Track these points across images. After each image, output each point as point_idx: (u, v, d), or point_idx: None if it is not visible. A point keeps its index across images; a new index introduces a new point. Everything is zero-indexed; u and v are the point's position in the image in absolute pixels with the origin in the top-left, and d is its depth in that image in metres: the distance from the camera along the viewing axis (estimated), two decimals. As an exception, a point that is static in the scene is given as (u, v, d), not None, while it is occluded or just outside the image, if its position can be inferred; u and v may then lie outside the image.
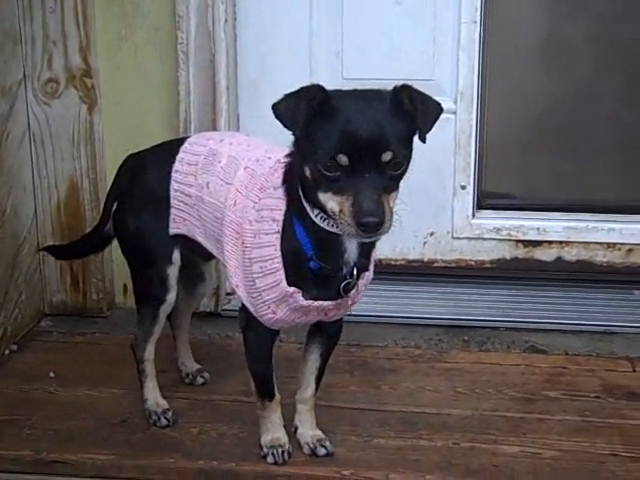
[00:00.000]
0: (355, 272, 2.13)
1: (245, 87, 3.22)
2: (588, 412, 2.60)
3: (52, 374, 2.82)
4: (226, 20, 3.04)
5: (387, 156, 1.90)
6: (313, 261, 2.09)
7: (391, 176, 1.93)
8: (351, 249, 2.09)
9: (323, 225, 2.04)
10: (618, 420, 2.56)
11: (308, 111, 1.92)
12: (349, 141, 1.89)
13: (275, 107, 1.96)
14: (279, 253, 2.10)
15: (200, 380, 2.76)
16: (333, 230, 2.02)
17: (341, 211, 1.90)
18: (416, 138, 1.99)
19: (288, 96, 1.97)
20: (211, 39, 3.03)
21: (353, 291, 2.17)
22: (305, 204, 2.05)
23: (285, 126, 1.96)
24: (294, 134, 1.99)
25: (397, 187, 1.96)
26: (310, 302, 2.13)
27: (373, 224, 1.87)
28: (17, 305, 3.06)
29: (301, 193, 2.05)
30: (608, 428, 2.52)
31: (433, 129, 2.01)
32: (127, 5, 3.06)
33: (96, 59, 3.08)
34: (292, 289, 2.11)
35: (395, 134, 1.92)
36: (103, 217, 2.56)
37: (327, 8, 3.16)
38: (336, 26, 3.16)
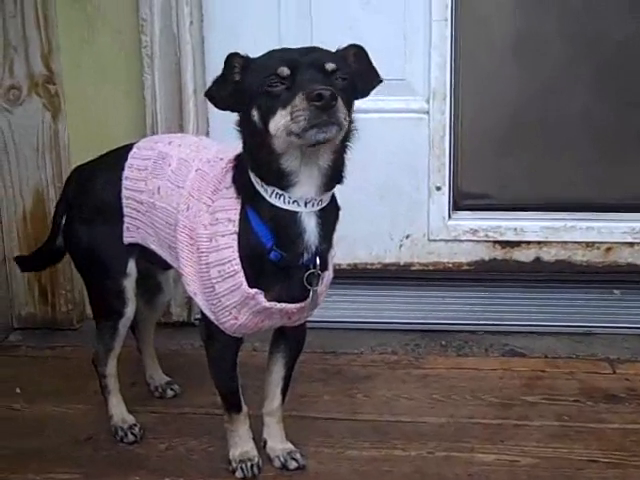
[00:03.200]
0: (318, 261, 2.06)
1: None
2: (567, 417, 2.56)
3: (18, 390, 2.75)
4: (191, 22, 2.98)
5: (330, 65, 1.90)
6: (274, 251, 2.03)
7: (340, 86, 1.90)
8: (310, 228, 2.03)
9: (279, 203, 1.99)
10: (597, 425, 2.51)
11: (235, 75, 1.97)
12: (287, 57, 1.92)
13: (207, 94, 2.01)
14: (237, 255, 2.04)
15: (170, 393, 2.70)
16: (290, 208, 1.99)
17: (292, 112, 1.85)
18: None
19: (214, 79, 2.01)
20: (176, 42, 2.97)
21: (317, 285, 2.09)
22: (260, 187, 2.01)
23: (225, 106, 2.00)
24: (232, 103, 1.99)
25: (346, 101, 1.89)
26: (273, 304, 2.07)
27: (327, 94, 1.81)
28: (-16, 319, 3.00)
29: (254, 178, 2.02)
30: (587, 433, 2.47)
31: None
32: (89, 8, 2.99)
33: (59, 64, 3.01)
34: (253, 290, 2.05)
35: (340, 59, 1.96)
36: (52, 232, 2.49)
37: (295, 8, 3.10)
38: (305, 26, 3.10)
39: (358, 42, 2.96)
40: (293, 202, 2.00)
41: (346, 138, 1.99)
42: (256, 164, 2.01)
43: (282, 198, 1.99)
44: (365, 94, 2.02)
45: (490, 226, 3.21)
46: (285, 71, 1.88)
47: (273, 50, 2.01)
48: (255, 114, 1.94)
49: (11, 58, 2.96)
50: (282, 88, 1.88)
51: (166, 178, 2.22)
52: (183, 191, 2.16)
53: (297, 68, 1.88)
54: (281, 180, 1.98)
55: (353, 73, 1.97)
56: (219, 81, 2.00)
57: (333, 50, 2.02)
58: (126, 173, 2.29)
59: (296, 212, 2.00)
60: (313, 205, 2.01)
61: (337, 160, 2.00)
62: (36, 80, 2.98)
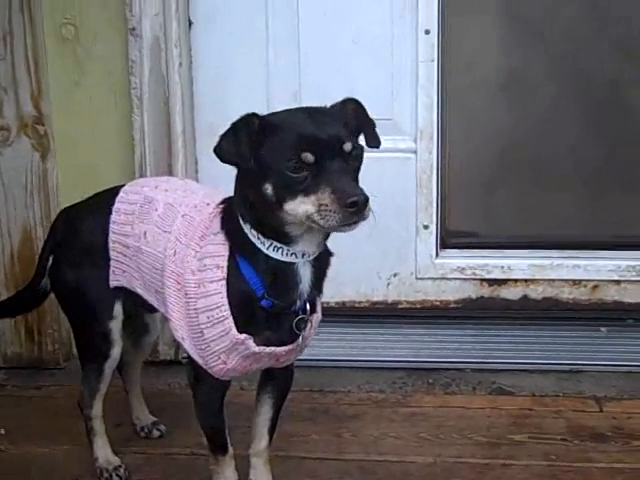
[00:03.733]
0: (308, 307, 2.07)
1: (203, 130, 3.17)
2: (554, 456, 2.55)
3: (2, 431, 2.74)
4: (180, 64, 3.01)
5: (348, 146, 1.91)
6: (265, 300, 2.03)
7: (354, 167, 1.93)
8: (305, 277, 2.03)
9: (276, 256, 1.99)
10: (584, 464, 2.51)
11: (250, 138, 1.91)
12: (309, 139, 1.89)
13: (217, 149, 1.94)
14: (226, 300, 2.04)
15: (156, 433, 2.69)
16: (287, 259, 1.99)
17: (321, 205, 1.84)
18: None
19: (225, 134, 1.95)
20: (165, 83, 2.99)
21: (306, 330, 2.10)
22: (255, 239, 2.00)
23: (234, 163, 1.96)
24: (244, 167, 1.95)
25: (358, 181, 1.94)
26: (262, 348, 2.07)
27: (362, 201, 1.82)
28: (-30, 358, 2.99)
29: (248, 230, 2.00)
30: (574, 472, 2.47)
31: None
32: (79, 50, 3.02)
33: (49, 105, 3.03)
34: (243, 336, 2.05)
35: (346, 129, 1.95)
36: (37, 272, 2.48)
37: (284, 48, 3.13)
38: (293, 66, 3.13)
39: (346, 82, 3.09)
40: (291, 254, 1.99)
41: None
42: (256, 221, 2.00)
43: (280, 251, 1.99)
44: (372, 132, 2.05)
45: (477, 264, 3.22)
46: (309, 158, 1.86)
47: (288, 115, 1.97)
48: (269, 189, 1.91)
49: (0, 100, 2.98)
50: (305, 174, 1.87)
51: (153, 223, 2.23)
52: (170, 236, 2.16)
53: (321, 154, 1.87)
54: (282, 238, 1.98)
55: (357, 117, 2.01)
56: (231, 139, 1.94)
57: (329, 105, 2.03)
58: (113, 217, 2.30)
59: (293, 263, 2.01)
60: (309, 255, 2.02)
61: None
62: (25, 121, 3.00)
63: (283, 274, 2.02)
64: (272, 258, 2.00)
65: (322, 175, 1.86)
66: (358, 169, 1.95)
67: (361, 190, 1.85)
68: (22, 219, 3.08)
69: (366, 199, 1.83)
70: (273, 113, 2.00)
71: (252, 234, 2.00)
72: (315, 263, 2.05)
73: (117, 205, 2.31)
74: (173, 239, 2.15)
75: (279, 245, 1.98)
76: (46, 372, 3.15)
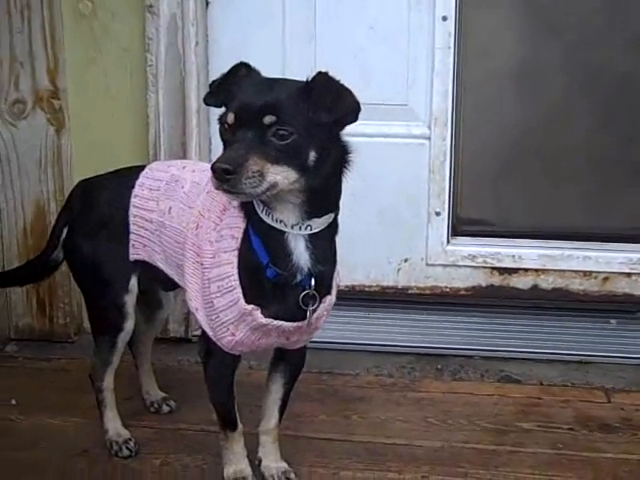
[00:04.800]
0: (313, 282, 2.06)
1: (217, 110, 3.15)
2: (561, 445, 2.56)
3: (14, 401, 2.75)
4: (197, 43, 3.01)
5: (269, 119, 1.88)
6: (269, 268, 2.04)
7: (275, 145, 1.87)
8: (298, 250, 2.03)
9: (268, 220, 2.01)
10: (591, 453, 2.51)
11: (225, 79, 2.02)
12: (239, 101, 1.92)
13: (211, 82, 2.08)
14: (236, 271, 2.06)
15: (166, 409, 2.70)
16: (276, 225, 2.01)
17: None
18: None
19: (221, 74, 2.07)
20: (181, 62, 3.00)
21: (315, 314, 2.11)
22: (256, 205, 2.03)
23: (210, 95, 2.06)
24: (205, 100, 2.08)
25: (286, 161, 1.88)
26: (269, 320, 2.08)
27: (219, 170, 1.84)
28: (-19, 330, 3.00)
29: None
30: (581, 462, 2.47)
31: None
32: (96, 26, 3.02)
33: (64, 80, 3.03)
34: (250, 306, 2.06)
35: (289, 104, 1.90)
36: (50, 243, 2.48)
37: (300, 32, 3.13)
38: (309, 50, 3.13)
39: (362, 67, 3.09)
40: (279, 221, 2.00)
41: (314, 176, 1.93)
42: None
43: (270, 215, 2.01)
44: (340, 123, 1.94)
45: (488, 252, 3.23)
46: (230, 118, 1.92)
47: (255, 79, 2.02)
48: None
49: (17, 73, 2.99)
50: (228, 135, 1.93)
51: (178, 199, 2.24)
52: (194, 211, 2.18)
53: (241, 119, 1.89)
54: (264, 202, 2.00)
55: (314, 109, 1.89)
56: (220, 78, 2.06)
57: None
58: (136, 191, 2.31)
59: (283, 231, 2.02)
60: (300, 228, 2.01)
61: (314, 194, 1.97)
62: (41, 95, 3.01)
63: (278, 242, 2.03)
64: (265, 223, 2.01)
65: (233, 139, 1.90)
66: (281, 149, 1.87)
67: (233, 160, 1.84)
68: (35, 193, 3.09)
69: (225, 169, 1.83)
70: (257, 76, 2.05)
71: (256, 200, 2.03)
72: (310, 238, 2.03)
73: (141, 180, 2.33)
74: (196, 213, 2.17)
75: (267, 209, 2.00)
76: (57, 345, 3.17)
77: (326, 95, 1.90)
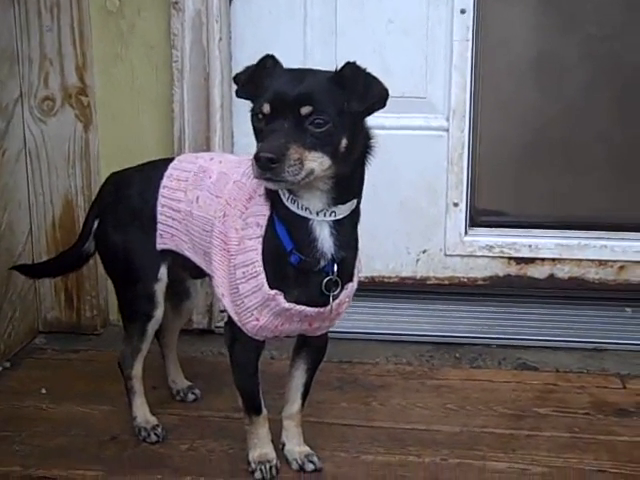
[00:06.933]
0: (335, 268, 2.13)
1: (239, 105, 3.18)
2: (577, 429, 2.61)
3: (44, 391, 2.82)
4: (220, 38, 3.06)
5: (306, 109, 1.95)
6: (293, 254, 2.11)
7: (312, 133, 1.95)
8: (323, 236, 2.10)
9: (293, 207, 2.08)
10: (607, 437, 2.57)
11: (254, 72, 2.07)
12: (274, 92, 1.98)
13: (235, 75, 2.13)
14: (260, 257, 2.13)
15: (191, 397, 2.77)
16: (301, 213, 2.07)
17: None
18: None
19: (247, 67, 2.13)
20: (206, 57, 3.05)
21: (337, 300, 2.17)
22: (281, 193, 2.09)
23: (237, 86, 2.12)
24: (237, 93, 2.12)
25: (321, 148, 1.96)
26: (292, 305, 2.14)
27: (264, 159, 1.90)
28: (11, 322, 3.08)
29: None
30: (597, 444, 2.52)
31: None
32: (123, 24, 3.09)
33: (92, 77, 3.11)
34: (274, 291, 2.13)
35: (323, 94, 1.97)
36: (82, 235, 2.56)
37: (321, 26, 3.19)
38: (330, 44, 3.18)
39: (382, 61, 3.14)
40: (305, 209, 2.07)
41: (344, 162, 2.01)
42: None
43: (295, 203, 2.08)
44: (370, 110, 2.02)
45: (505, 242, 3.27)
46: (266, 108, 1.97)
47: (286, 70, 2.08)
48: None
49: (46, 70, 3.06)
50: (262, 125, 1.99)
51: (206, 189, 2.31)
52: (221, 200, 2.25)
53: (277, 109, 1.96)
54: (290, 190, 2.07)
55: (346, 99, 1.97)
56: (246, 70, 2.12)
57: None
58: (164, 182, 2.38)
59: (308, 219, 2.09)
60: (325, 215, 2.08)
61: (341, 180, 2.05)
62: (70, 92, 3.08)
63: (302, 229, 2.10)
64: (291, 211, 2.08)
65: (269, 128, 1.96)
66: (318, 137, 1.95)
67: (277, 149, 1.90)
68: (64, 188, 3.16)
69: (270, 158, 1.90)
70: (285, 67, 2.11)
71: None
72: (335, 224, 2.10)
73: (170, 171, 2.39)
74: (223, 202, 2.23)
75: (293, 197, 2.07)
76: (84, 337, 3.24)
77: (358, 84, 1.99)
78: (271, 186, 2.03)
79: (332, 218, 2.09)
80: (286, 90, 1.97)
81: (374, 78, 2.02)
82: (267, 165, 1.91)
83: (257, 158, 1.91)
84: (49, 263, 2.86)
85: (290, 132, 1.94)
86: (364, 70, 2.02)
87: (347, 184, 2.08)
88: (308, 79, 2.01)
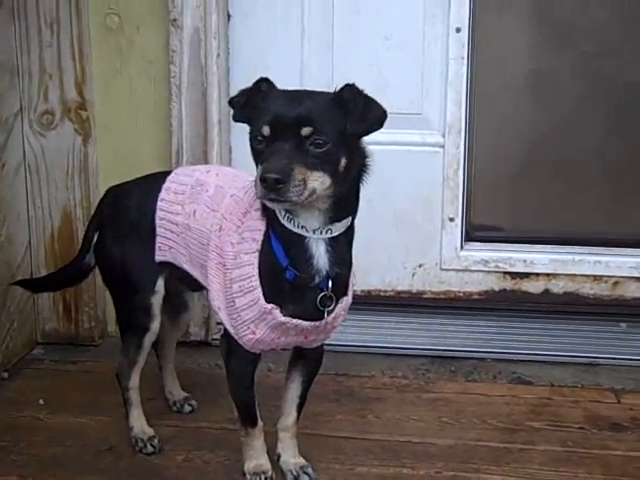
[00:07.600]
0: (330, 284, 2.15)
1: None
2: (571, 443, 2.62)
3: (41, 401, 2.84)
4: (218, 55, 3.10)
5: (306, 130, 1.97)
6: (288, 270, 2.13)
7: (313, 153, 1.97)
8: (319, 253, 2.12)
9: (289, 226, 2.10)
10: (601, 451, 2.58)
11: (250, 95, 2.10)
12: (274, 114, 2.00)
13: (231, 99, 2.16)
14: (256, 271, 2.15)
15: (188, 408, 2.78)
16: (297, 231, 2.09)
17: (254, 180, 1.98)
18: None
19: (241, 90, 2.16)
20: (204, 73, 3.08)
21: (332, 314, 2.19)
22: (277, 211, 2.11)
23: (233, 109, 2.15)
24: (234, 117, 2.15)
25: (322, 168, 1.98)
26: (288, 319, 2.16)
27: (271, 180, 1.92)
28: (9, 333, 3.09)
29: None
30: (591, 459, 2.54)
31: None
32: (122, 40, 3.12)
33: (91, 92, 3.14)
34: (270, 305, 2.14)
35: (322, 115, 1.99)
36: (83, 248, 2.58)
37: (318, 41, 3.22)
38: (326, 59, 3.22)
39: (378, 76, 3.17)
40: (301, 227, 2.09)
41: (343, 181, 2.03)
42: None
43: (292, 222, 2.10)
44: (368, 131, 2.04)
45: (501, 257, 3.30)
46: (266, 131, 1.99)
47: (283, 91, 2.09)
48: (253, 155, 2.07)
49: (46, 85, 3.09)
50: (262, 147, 2.00)
51: (203, 203, 2.33)
52: (217, 214, 2.27)
53: (277, 131, 1.97)
54: (287, 209, 2.09)
55: (346, 120, 1.99)
56: (242, 94, 2.14)
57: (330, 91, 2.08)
58: (162, 195, 2.40)
59: (304, 236, 2.10)
60: (321, 233, 2.10)
61: (339, 199, 2.07)
62: (69, 106, 3.11)
63: (298, 247, 2.11)
64: (287, 228, 2.10)
65: (270, 149, 1.98)
66: (319, 157, 1.97)
67: (282, 170, 1.92)
68: (63, 200, 3.18)
69: (277, 179, 1.92)
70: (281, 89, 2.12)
71: None
72: (330, 241, 2.12)
73: (167, 184, 2.42)
74: (219, 216, 2.25)
75: (290, 216, 2.09)
76: (82, 348, 3.25)
77: (357, 107, 2.01)
78: (275, 206, 2.05)
79: (328, 235, 2.11)
80: (285, 112, 1.99)
81: (373, 101, 2.05)
82: (273, 186, 1.93)
83: (263, 179, 1.93)
84: (50, 277, 2.88)
85: (292, 153, 1.96)
86: (363, 92, 2.05)
87: (344, 203, 2.11)
88: (307, 100, 2.03)
